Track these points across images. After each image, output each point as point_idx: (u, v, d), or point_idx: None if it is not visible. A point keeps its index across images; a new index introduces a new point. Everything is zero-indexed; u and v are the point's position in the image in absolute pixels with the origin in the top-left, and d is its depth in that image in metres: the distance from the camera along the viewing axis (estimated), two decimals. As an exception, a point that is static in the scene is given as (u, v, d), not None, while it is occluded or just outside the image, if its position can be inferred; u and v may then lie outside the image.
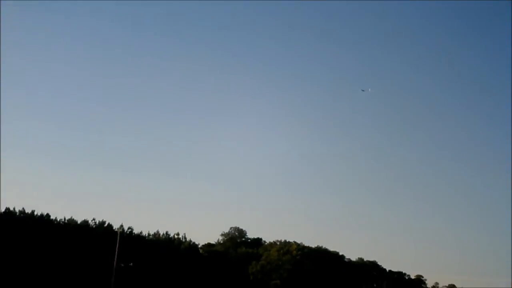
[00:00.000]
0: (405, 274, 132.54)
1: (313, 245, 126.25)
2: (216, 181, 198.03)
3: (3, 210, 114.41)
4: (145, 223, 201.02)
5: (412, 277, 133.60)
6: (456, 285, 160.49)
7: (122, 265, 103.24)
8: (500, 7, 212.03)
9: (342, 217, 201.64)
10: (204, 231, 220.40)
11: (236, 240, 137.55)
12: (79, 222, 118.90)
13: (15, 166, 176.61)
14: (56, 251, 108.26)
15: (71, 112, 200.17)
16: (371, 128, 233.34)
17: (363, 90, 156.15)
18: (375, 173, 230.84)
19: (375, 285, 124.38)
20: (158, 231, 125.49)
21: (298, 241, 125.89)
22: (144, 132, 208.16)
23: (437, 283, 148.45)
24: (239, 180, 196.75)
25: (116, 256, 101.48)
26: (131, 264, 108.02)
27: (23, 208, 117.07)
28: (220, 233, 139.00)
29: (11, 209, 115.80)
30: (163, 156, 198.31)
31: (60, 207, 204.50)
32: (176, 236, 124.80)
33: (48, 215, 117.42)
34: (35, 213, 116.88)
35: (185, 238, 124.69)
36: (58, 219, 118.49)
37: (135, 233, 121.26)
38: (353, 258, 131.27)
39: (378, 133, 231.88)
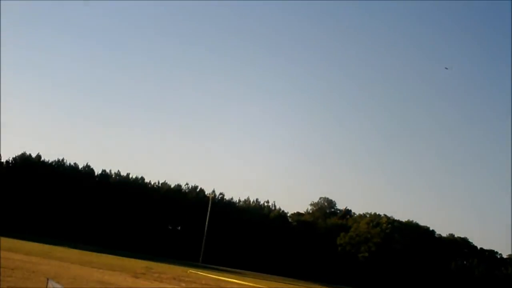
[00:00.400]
0: (496, 253, 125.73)
1: (403, 218, 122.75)
2: (306, 150, 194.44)
3: (100, 172, 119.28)
4: (236, 190, 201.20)
5: (504, 256, 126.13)
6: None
7: (213, 230, 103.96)
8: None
9: (435, 191, 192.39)
10: (293, 200, 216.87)
11: (325, 210, 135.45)
12: (172, 186, 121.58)
13: (112, 130, 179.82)
14: (149, 214, 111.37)
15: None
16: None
17: (446, 68, 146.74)
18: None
19: (465, 263, 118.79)
20: (248, 198, 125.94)
21: (389, 214, 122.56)
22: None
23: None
24: (329, 150, 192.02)
25: (207, 221, 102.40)
26: (222, 229, 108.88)
27: (118, 171, 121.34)
28: (309, 203, 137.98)
29: (107, 171, 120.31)
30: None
31: (153, 171, 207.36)
32: (266, 204, 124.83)
33: (142, 178, 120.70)
34: (130, 176, 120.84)
35: (274, 206, 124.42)
36: (152, 183, 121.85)
37: (226, 199, 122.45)
38: (444, 233, 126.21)
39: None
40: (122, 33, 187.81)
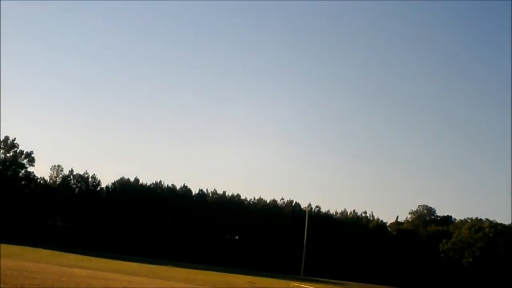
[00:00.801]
0: None
1: (507, 222, 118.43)
2: (400, 159, 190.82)
3: (196, 192, 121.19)
4: (333, 203, 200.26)
5: None
6: None
7: (311, 242, 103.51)
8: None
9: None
10: (392, 209, 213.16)
11: (424, 218, 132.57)
12: (268, 201, 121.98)
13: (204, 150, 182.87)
14: (247, 230, 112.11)
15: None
16: None
17: None
18: None
19: None
20: (345, 210, 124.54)
21: (491, 218, 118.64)
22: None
23: None
24: (422, 158, 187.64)
25: (305, 234, 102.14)
26: (321, 241, 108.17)
27: (214, 189, 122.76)
28: (408, 211, 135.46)
29: (204, 190, 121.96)
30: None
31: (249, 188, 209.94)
32: (363, 215, 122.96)
33: (238, 195, 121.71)
34: (227, 193, 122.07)
35: (372, 216, 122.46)
36: (248, 199, 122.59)
37: (323, 211, 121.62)
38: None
39: None
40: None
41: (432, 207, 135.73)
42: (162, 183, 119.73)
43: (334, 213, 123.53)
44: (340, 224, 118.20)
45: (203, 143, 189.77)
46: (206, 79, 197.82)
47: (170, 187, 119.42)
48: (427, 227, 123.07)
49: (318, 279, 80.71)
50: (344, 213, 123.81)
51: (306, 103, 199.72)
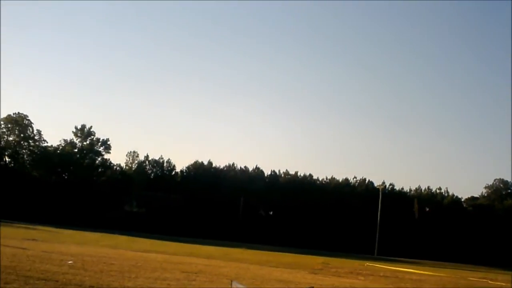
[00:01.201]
0: None
1: None
2: (474, 132, 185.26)
3: (268, 173, 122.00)
4: (407, 180, 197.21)
5: None
6: None
7: (385, 221, 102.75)
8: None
9: None
10: (466, 184, 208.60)
11: (501, 192, 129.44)
12: (340, 180, 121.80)
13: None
14: (320, 210, 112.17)
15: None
16: None
17: None
18: None
19: None
20: (419, 186, 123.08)
21: None
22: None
23: None
24: (496, 131, 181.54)
25: (379, 213, 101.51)
26: (395, 220, 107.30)
27: (286, 170, 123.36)
28: (484, 186, 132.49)
29: (276, 171, 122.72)
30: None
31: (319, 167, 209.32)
32: (438, 191, 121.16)
33: (310, 175, 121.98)
34: (298, 174, 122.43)
35: (447, 192, 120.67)
36: (320, 179, 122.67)
37: (397, 189, 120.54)
38: None
39: None
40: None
41: (509, 180, 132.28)
42: (235, 165, 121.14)
43: (408, 190, 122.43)
44: (414, 201, 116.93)
45: (274, 123, 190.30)
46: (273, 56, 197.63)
47: (242, 169, 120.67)
48: (504, 201, 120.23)
49: (392, 258, 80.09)
50: (418, 189, 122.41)
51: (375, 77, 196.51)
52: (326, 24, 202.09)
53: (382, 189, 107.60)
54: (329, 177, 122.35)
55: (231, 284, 12.14)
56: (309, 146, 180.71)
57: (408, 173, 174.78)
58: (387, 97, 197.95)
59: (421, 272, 42.97)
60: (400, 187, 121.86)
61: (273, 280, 25.38)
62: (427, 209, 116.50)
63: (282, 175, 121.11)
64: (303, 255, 61.18)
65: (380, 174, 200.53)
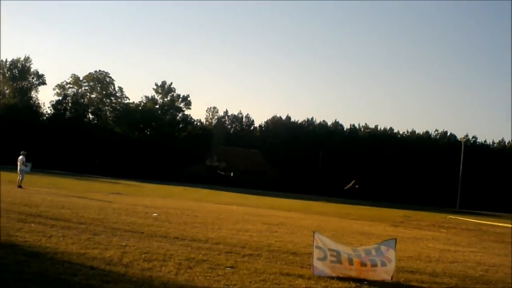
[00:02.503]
0: None
1: None
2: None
3: (348, 127, 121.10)
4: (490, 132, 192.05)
5: None
6: None
7: (467, 175, 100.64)
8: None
9: None
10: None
11: None
12: (421, 133, 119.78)
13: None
14: (401, 164, 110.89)
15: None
16: None
17: None
18: None
19: None
20: (502, 139, 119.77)
21: None
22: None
23: None
24: None
25: (461, 166, 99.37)
26: (477, 173, 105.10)
27: (365, 123, 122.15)
28: None
29: (356, 125, 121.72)
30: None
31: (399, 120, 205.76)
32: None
33: (391, 129, 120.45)
34: (378, 127, 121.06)
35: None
36: (401, 132, 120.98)
37: (479, 141, 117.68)
38: None
39: None
40: None
41: None
42: (314, 120, 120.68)
43: (491, 143, 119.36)
44: (498, 154, 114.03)
45: (352, 77, 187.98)
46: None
47: (321, 123, 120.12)
48: None
49: (475, 211, 78.47)
50: (502, 142, 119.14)
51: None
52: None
53: (465, 141, 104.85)
54: (409, 130, 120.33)
55: (314, 235, 12.05)
56: (388, 98, 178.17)
57: (491, 125, 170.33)
58: (467, 49, 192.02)
59: (505, 225, 41.89)
60: (483, 140, 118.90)
61: (354, 232, 25.25)
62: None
63: (362, 129, 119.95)
64: (383, 208, 60.74)
65: (462, 127, 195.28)
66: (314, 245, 11.89)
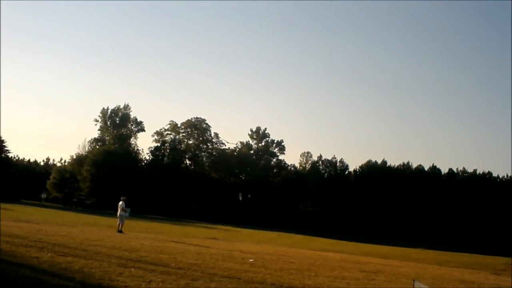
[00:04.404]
0: None
1: None
2: None
3: (446, 171, 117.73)
4: None
5: None
6: None
7: None
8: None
9: None
10: None
11: None
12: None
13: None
14: (498, 210, 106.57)
15: None
16: None
17: None
18: None
19: None
20: None
21: None
22: None
23: None
24: None
25: None
26: None
27: (463, 168, 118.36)
28: None
29: (454, 169, 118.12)
30: None
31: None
32: None
33: (489, 173, 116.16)
34: (477, 172, 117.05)
35: None
36: (501, 176, 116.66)
37: None
38: None
39: None
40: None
41: None
42: (411, 164, 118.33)
43: None
44: None
45: (448, 121, 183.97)
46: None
47: (418, 168, 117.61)
48: None
49: None
50: None
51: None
52: None
53: None
54: (510, 174, 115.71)
55: (413, 284, 11.72)
56: (487, 142, 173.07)
57: None
58: None
59: None
60: None
61: (454, 280, 24.38)
62: None
63: (460, 173, 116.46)
64: (483, 256, 58.53)
65: None
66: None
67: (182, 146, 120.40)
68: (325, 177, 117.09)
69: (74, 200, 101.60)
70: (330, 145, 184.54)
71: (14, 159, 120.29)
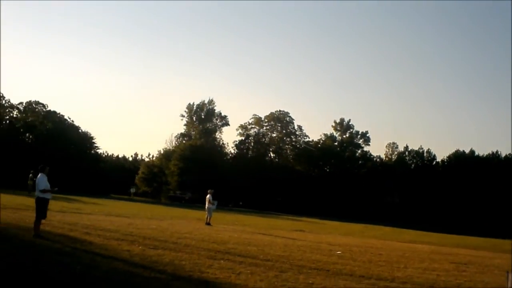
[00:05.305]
0: None
1: None
2: None
3: None
4: None
5: None
6: None
7: None
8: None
9: None
10: None
11: None
12: None
13: None
14: None
15: None
16: None
17: None
18: None
19: None
20: None
21: None
22: None
23: None
24: None
25: None
26: None
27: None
28: None
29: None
30: None
31: None
32: None
33: None
34: None
35: None
36: None
37: None
38: None
39: None
40: None
41: None
42: (499, 153, 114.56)
43: None
44: None
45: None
46: None
47: (507, 157, 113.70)
48: None
49: None
50: None
51: None
52: None
53: None
54: None
55: (508, 276, 11.39)
56: None
57: None
58: None
59: None
60: None
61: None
62: None
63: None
64: None
65: None
66: (508, 286, 11.27)
67: (266, 139, 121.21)
68: (411, 168, 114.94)
69: (171, 195, 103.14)
70: (416, 135, 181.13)
71: (103, 155, 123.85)
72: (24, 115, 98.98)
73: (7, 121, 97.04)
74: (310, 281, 13.68)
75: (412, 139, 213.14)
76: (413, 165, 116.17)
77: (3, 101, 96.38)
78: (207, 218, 36.12)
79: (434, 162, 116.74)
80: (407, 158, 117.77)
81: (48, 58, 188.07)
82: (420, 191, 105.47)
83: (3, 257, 12.80)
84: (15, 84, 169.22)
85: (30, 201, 29.27)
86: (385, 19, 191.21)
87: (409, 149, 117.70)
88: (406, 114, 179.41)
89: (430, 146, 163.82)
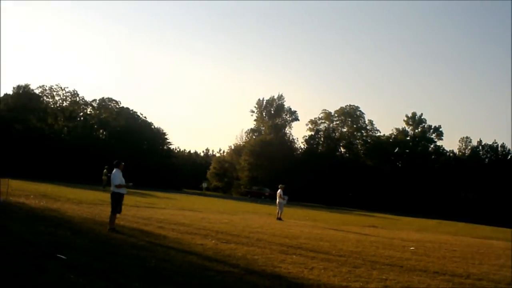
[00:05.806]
0: None
1: None
2: None
3: None
4: None
5: None
6: None
7: None
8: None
9: None
10: None
11: None
12: None
13: None
14: None
15: None
16: None
17: None
18: None
19: None
20: None
21: None
22: None
23: None
24: None
25: None
26: None
27: None
28: None
29: None
30: None
31: None
32: None
33: None
34: None
35: None
36: None
37: None
38: None
39: None
40: None
41: None
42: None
43: None
44: None
45: None
46: None
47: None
48: None
49: None
50: None
51: None
52: None
53: None
54: None
55: None
56: None
57: None
58: None
59: None
60: None
61: None
62: None
63: None
64: None
65: None
66: None
67: (336, 134, 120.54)
68: (485, 163, 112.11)
69: (247, 190, 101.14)
70: (490, 129, 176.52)
71: (176, 151, 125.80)
72: (98, 111, 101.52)
73: (82, 118, 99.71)
74: (384, 277, 13.58)
75: (486, 134, 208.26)
76: (487, 160, 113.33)
77: (78, 99, 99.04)
78: (278, 213, 36.21)
79: (509, 157, 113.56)
80: (481, 152, 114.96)
81: (120, 56, 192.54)
82: (494, 186, 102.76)
83: (80, 251, 13.17)
84: (89, 82, 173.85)
85: (105, 196, 30.07)
86: (456, 14, 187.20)
87: (483, 144, 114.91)
88: (480, 108, 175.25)
89: (505, 140, 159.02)
